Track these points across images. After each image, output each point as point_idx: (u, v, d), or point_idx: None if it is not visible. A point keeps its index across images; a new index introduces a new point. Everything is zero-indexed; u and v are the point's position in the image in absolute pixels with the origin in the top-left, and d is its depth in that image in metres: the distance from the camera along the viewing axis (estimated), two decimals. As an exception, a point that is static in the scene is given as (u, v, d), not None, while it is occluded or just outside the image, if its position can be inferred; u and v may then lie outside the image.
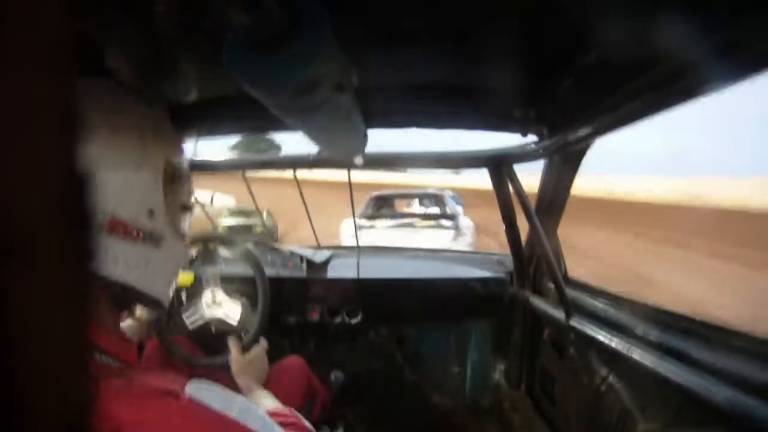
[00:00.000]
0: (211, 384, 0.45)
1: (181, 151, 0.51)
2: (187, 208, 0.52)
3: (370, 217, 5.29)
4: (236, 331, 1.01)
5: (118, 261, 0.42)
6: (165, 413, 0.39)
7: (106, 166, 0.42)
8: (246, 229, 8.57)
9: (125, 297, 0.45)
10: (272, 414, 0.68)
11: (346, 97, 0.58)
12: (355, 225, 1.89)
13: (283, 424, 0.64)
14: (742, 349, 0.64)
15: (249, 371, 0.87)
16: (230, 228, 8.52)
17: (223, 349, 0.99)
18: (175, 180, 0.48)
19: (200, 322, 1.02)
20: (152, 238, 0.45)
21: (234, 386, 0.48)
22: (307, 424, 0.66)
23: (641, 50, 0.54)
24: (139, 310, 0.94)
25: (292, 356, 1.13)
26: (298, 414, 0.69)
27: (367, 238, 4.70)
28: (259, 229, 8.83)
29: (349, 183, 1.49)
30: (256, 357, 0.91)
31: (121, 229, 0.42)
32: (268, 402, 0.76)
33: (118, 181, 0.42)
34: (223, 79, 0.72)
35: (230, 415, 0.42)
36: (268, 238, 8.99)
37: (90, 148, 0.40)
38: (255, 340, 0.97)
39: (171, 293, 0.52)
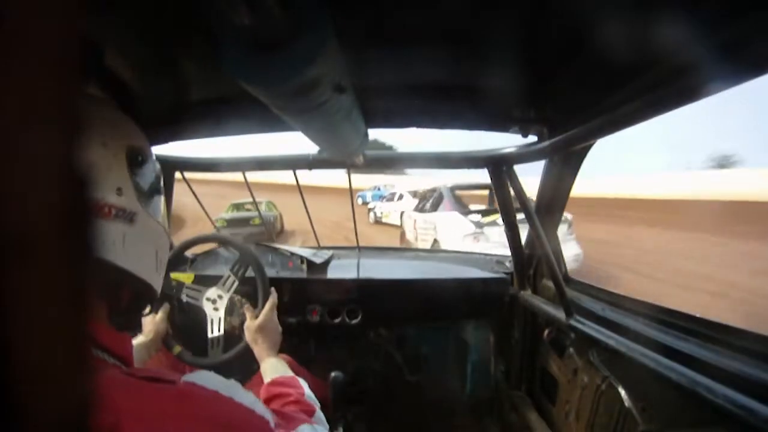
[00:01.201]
0: (206, 372, 0.46)
1: (141, 137, 0.53)
2: (156, 190, 0.54)
3: (484, 213, 4.65)
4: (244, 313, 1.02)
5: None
6: (163, 399, 0.39)
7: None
8: (243, 222, 8.73)
9: (109, 279, 0.46)
10: (275, 383, 0.71)
11: (346, 97, 0.58)
12: (355, 225, 1.89)
13: (281, 396, 0.67)
14: (742, 349, 0.64)
15: (261, 338, 0.89)
16: (228, 221, 8.63)
17: (213, 352, 0.99)
18: (141, 163, 0.50)
19: (222, 323, 1.03)
20: (125, 215, 0.46)
21: None
22: (308, 397, 0.68)
23: (641, 51, 0.54)
24: (148, 325, 0.95)
25: (280, 355, 1.13)
26: (302, 382, 0.72)
27: (498, 238, 4.14)
28: (256, 221, 8.95)
29: (349, 183, 1.49)
30: (266, 322, 0.93)
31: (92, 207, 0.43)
32: (278, 369, 0.79)
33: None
34: (223, 79, 0.72)
35: (225, 394, 0.44)
36: (272, 229, 8.95)
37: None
38: (264, 300, 0.98)
39: (156, 276, 0.53)
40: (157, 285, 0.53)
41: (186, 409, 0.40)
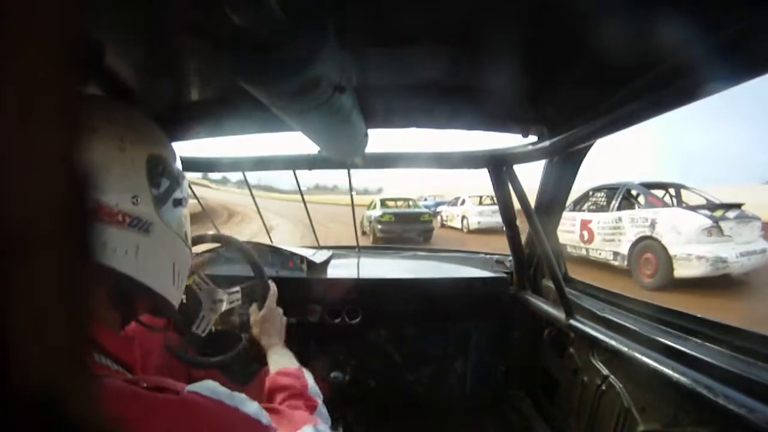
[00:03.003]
0: (210, 381, 0.46)
1: (165, 146, 0.51)
2: (179, 202, 0.52)
3: (711, 208, 4.57)
4: (242, 318, 1.01)
5: (106, 246, 0.42)
6: (165, 410, 0.39)
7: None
8: (413, 218, 8.31)
9: (123, 288, 0.45)
10: (281, 373, 0.71)
11: (346, 97, 0.58)
12: (355, 225, 1.89)
13: (285, 388, 0.66)
14: (742, 349, 0.64)
15: (266, 329, 0.90)
16: (395, 216, 8.22)
17: (221, 350, 0.99)
18: (162, 172, 0.49)
19: (210, 326, 1.02)
20: (140, 225, 0.45)
21: (228, 385, 0.49)
22: (311, 392, 0.68)
23: (641, 51, 0.54)
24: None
25: None
26: (307, 375, 0.72)
27: (729, 231, 4.16)
28: (426, 217, 8.52)
29: (350, 183, 1.49)
30: (269, 311, 0.95)
31: (104, 213, 0.43)
32: (284, 359, 0.80)
33: (97, 169, 0.42)
34: (223, 79, 0.72)
35: (229, 404, 0.44)
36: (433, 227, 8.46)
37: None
38: (264, 294, 0.98)
39: (174, 290, 0.51)
40: (174, 299, 0.51)
41: (189, 420, 0.40)
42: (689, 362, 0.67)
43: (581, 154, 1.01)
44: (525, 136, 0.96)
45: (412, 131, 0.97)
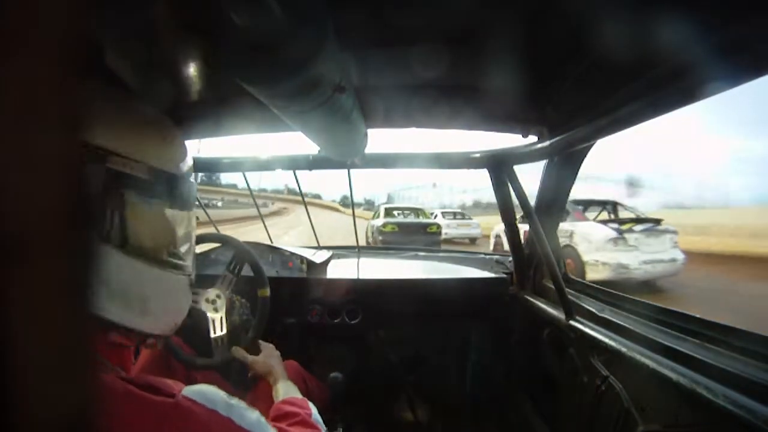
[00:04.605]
0: (208, 386, 0.45)
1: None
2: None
3: (619, 222, 5.25)
4: (238, 329, 1.02)
5: None
6: (157, 412, 0.39)
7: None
8: (418, 228, 7.75)
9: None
10: (286, 402, 0.72)
11: (346, 97, 0.58)
12: (354, 226, 1.89)
13: (287, 415, 0.66)
14: (742, 349, 0.64)
15: (273, 365, 0.91)
16: (399, 226, 7.78)
17: (219, 351, 0.99)
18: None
19: (224, 321, 1.03)
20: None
21: (229, 389, 0.48)
22: (314, 419, 0.68)
23: (641, 51, 0.54)
24: None
25: (286, 360, 1.13)
26: (311, 405, 0.72)
27: (635, 242, 4.81)
28: (434, 228, 8.04)
29: (349, 183, 1.49)
30: (272, 350, 0.96)
31: None
32: (291, 392, 0.81)
33: None
34: (223, 79, 0.72)
35: (224, 414, 0.43)
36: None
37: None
38: (255, 338, 0.98)
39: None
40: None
41: (179, 426, 0.40)
42: (689, 362, 0.67)
43: (581, 155, 1.01)
44: (525, 136, 0.96)
45: (412, 131, 0.97)
